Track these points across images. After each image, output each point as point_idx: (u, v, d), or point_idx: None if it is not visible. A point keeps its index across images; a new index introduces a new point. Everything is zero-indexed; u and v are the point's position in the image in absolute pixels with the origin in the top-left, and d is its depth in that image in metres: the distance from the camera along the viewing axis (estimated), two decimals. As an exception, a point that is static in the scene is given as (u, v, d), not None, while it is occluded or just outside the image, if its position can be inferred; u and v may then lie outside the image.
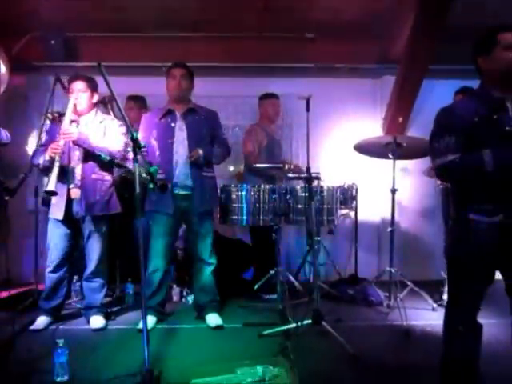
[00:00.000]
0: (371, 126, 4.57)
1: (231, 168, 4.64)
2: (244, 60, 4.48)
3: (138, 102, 4.07)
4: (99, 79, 2.66)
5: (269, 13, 4.16)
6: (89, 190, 3.05)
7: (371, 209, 4.38)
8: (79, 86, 3.06)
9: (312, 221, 2.96)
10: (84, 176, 3.04)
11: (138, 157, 2.06)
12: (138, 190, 2.02)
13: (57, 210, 3.03)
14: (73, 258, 3.22)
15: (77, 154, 3.03)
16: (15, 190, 2.35)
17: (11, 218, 4.30)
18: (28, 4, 3.86)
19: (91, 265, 3.14)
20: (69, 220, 3.07)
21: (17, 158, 3.71)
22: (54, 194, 2.75)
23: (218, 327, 3.14)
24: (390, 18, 4.22)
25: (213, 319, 3.18)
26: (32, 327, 3.05)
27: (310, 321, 2.91)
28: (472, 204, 1.91)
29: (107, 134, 3.12)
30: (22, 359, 2.45)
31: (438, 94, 4.40)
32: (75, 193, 3.05)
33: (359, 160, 4.02)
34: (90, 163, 3.06)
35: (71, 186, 3.03)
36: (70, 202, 3.04)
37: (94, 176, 3.07)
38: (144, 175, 2.28)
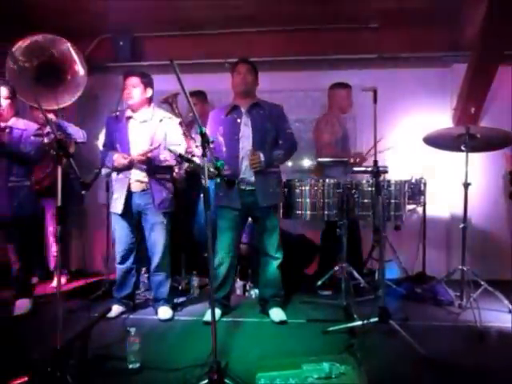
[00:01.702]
0: (441, 117, 4.35)
1: (289, 164, 4.60)
2: (306, 53, 4.45)
3: (200, 97, 4.14)
4: (167, 77, 2.72)
5: (331, 3, 4.07)
6: (154, 189, 3.14)
7: (440, 204, 4.18)
8: (132, 81, 3.14)
9: (379, 216, 2.87)
10: (148, 174, 3.14)
11: (207, 152, 2.09)
12: (206, 183, 2.05)
13: (117, 205, 3.16)
14: (138, 250, 3.34)
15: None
16: (90, 185, 2.45)
17: (86, 211, 4.58)
18: (96, 7, 4.03)
19: (155, 259, 3.24)
20: (130, 213, 3.19)
21: (90, 154, 3.90)
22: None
23: (282, 322, 3.14)
24: (459, 2, 4.01)
25: (277, 314, 3.19)
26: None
27: (376, 319, 2.83)
28: None
29: (168, 134, 3.20)
30: (97, 346, 2.57)
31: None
32: (137, 186, 3.15)
33: (427, 153, 3.84)
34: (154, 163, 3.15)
35: (133, 180, 3.14)
36: (130, 196, 3.15)
37: (158, 176, 3.17)
38: (212, 170, 2.31)
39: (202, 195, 3.27)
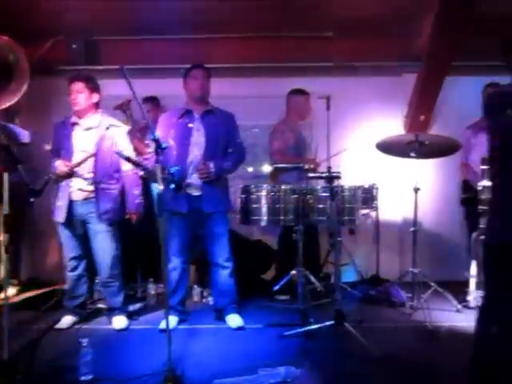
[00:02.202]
0: (393, 124, 4.50)
1: (250, 169, 4.64)
2: (263, 60, 4.48)
3: (154, 103, 4.11)
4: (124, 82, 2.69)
5: (287, 12, 4.13)
6: (98, 198, 3.07)
7: (393, 208, 4.32)
8: (77, 86, 3.06)
9: (333, 221, 2.94)
10: (93, 183, 3.07)
11: (160, 157, 2.07)
12: (160, 189, 2.03)
13: (60, 213, 3.08)
14: (87, 257, 3.24)
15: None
16: (40, 192, 2.38)
17: (38, 219, 4.40)
18: (51, 7, 3.91)
19: (104, 268, 3.15)
20: (73, 222, 3.11)
21: (41, 160, 3.77)
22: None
23: (239, 328, 3.14)
24: (411, 15, 4.15)
25: (234, 320, 3.18)
26: (57, 326, 3.11)
27: (332, 322, 2.88)
28: None
29: (117, 142, 3.14)
30: (48, 358, 2.48)
31: (462, 91, 4.33)
32: (79, 195, 3.08)
33: (380, 159, 3.96)
34: (99, 172, 3.08)
35: (75, 188, 3.07)
36: (72, 204, 3.07)
37: (103, 185, 3.09)
38: (165, 176, 2.29)
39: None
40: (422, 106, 4.15)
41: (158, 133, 3.11)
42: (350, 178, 3.79)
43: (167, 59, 4.36)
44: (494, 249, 2.03)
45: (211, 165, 3.05)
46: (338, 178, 2.98)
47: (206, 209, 3.10)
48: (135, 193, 3.17)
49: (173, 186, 2.33)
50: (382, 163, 4.15)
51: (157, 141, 2.03)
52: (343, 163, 4.28)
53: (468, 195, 3.70)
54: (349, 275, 4.27)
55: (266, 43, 4.50)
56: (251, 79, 4.60)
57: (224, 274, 3.23)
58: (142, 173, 3.33)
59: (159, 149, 2.04)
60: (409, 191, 3.54)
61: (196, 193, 3.11)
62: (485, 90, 3.74)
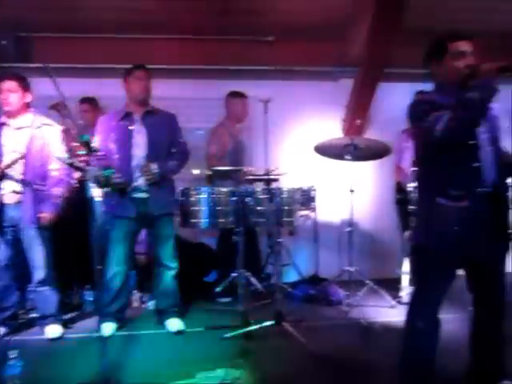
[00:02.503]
0: (332, 128, 4.63)
1: (193, 171, 4.60)
2: (205, 62, 4.47)
3: (92, 104, 3.99)
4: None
5: (228, 15, 4.16)
6: (29, 201, 2.93)
7: (331, 210, 4.44)
8: (9, 85, 2.92)
9: (272, 222, 2.98)
10: (25, 185, 2.93)
11: (91, 160, 2.02)
12: (91, 193, 1.98)
13: None
14: (20, 265, 3.08)
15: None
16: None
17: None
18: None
19: (36, 273, 3.02)
20: (3, 227, 2.96)
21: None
22: None
23: (179, 332, 3.11)
24: (348, 22, 4.31)
25: (173, 324, 3.15)
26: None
27: (271, 322, 2.93)
28: (440, 189, 2.00)
29: (50, 142, 3.02)
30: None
31: (396, 97, 4.52)
32: (11, 197, 2.94)
33: (320, 162, 4.08)
34: (30, 173, 2.95)
35: (7, 191, 2.93)
36: (2, 208, 2.93)
37: (35, 186, 2.95)
38: (100, 179, 2.23)
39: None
40: (358, 111, 4.31)
41: (97, 136, 3.04)
42: (288, 181, 3.88)
43: (103, 58, 4.24)
44: (419, 248, 2.15)
45: (154, 166, 3.01)
46: (277, 180, 3.03)
47: (154, 211, 3.05)
48: (55, 193, 3.01)
49: (108, 189, 2.26)
50: (321, 166, 4.27)
51: (86, 143, 1.98)
52: (283, 166, 4.36)
53: (401, 196, 3.87)
54: (290, 275, 4.36)
55: (207, 46, 4.50)
56: (194, 81, 4.58)
57: (169, 275, 3.21)
58: (78, 175, 3.23)
59: (90, 151, 1.98)
60: (346, 193, 3.67)
61: (142, 196, 3.05)
62: (416, 96, 3.94)
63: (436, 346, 2.14)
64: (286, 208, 3.30)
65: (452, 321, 2.80)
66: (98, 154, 2.07)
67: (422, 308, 2.12)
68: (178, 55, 4.41)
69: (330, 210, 4.40)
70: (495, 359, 2.19)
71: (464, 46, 2.02)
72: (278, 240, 4.05)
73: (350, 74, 4.46)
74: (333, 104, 4.66)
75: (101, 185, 2.31)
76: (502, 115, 2.23)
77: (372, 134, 4.54)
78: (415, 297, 2.18)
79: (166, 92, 4.08)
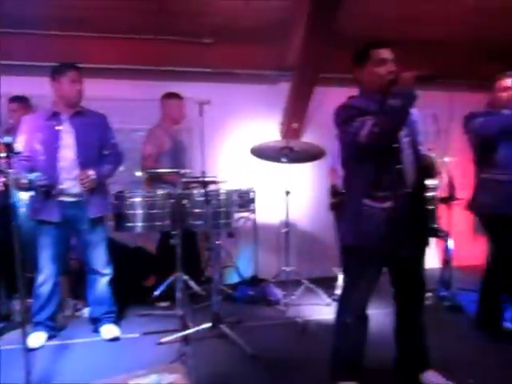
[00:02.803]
0: (271, 130, 4.70)
1: (137, 173, 4.50)
2: (142, 62, 4.39)
3: (23, 103, 3.79)
4: None
5: (164, 15, 4.11)
6: None
7: (271, 211, 4.50)
8: None
9: (209, 224, 2.98)
10: None
11: (14, 163, 1.92)
12: (12, 198, 1.88)
13: None
14: None
15: None
16: None
17: None
18: None
19: None
20: None
21: None
22: None
23: (115, 339, 3.04)
24: (286, 25, 4.39)
25: (108, 331, 3.07)
26: None
27: (208, 324, 2.93)
28: (366, 191, 2.09)
29: None
30: None
31: (333, 101, 4.65)
32: None
33: (259, 164, 4.12)
34: None
35: None
36: None
37: None
38: (23, 181, 2.13)
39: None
40: (295, 114, 4.40)
41: (21, 137, 2.89)
42: (227, 182, 3.90)
43: (30, 56, 4.05)
44: (347, 248, 2.24)
45: (91, 172, 2.92)
46: (214, 182, 3.03)
47: (85, 216, 2.96)
48: None
49: (32, 192, 2.16)
50: (261, 168, 4.32)
51: (8, 145, 1.88)
52: (222, 168, 4.38)
53: (334, 200, 3.99)
54: (231, 277, 4.38)
55: (144, 45, 4.42)
56: (130, 82, 4.47)
57: (102, 282, 3.12)
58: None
59: (12, 153, 1.89)
60: (284, 194, 3.74)
61: (71, 199, 2.95)
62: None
63: (364, 341, 2.24)
64: (224, 210, 3.29)
65: (384, 315, 2.93)
66: (21, 155, 1.97)
67: (351, 305, 2.21)
68: (114, 55, 4.30)
69: (269, 212, 4.45)
70: (418, 350, 2.32)
71: (385, 53, 2.13)
72: (218, 242, 4.09)
73: (288, 77, 4.54)
74: (271, 107, 4.73)
75: (23, 188, 2.20)
76: (426, 119, 2.38)
77: (309, 137, 4.66)
78: (344, 294, 2.27)
79: (101, 92, 3.99)
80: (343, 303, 2.27)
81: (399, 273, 2.26)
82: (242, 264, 4.41)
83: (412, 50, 4.41)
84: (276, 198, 4.43)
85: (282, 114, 4.70)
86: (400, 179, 2.08)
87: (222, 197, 3.24)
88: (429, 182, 3.39)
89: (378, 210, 2.06)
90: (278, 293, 3.77)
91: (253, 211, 4.07)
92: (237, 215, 3.98)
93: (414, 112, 2.27)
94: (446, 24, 4.41)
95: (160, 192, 3.16)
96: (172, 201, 3.18)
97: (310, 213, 4.79)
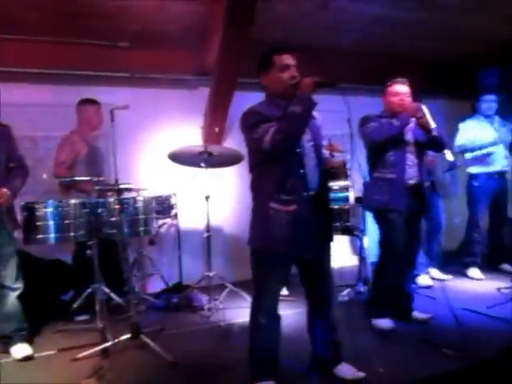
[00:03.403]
0: (193, 136, 4.67)
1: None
2: (54, 66, 4.20)
3: None
4: None
5: (78, 18, 3.96)
6: None
7: (193, 216, 4.47)
8: None
9: (123, 233, 2.91)
10: None
11: None
12: None
13: None
14: None
15: None
16: None
17: None
18: None
19: None
20: None
21: None
22: None
23: (27, 358, 2.87)
24: (203, 31, 4.40)
25: (19, 350, 2.90)
26: None
27: (127, 335, 2.85)
28: (272, 195, 2.14)
29: None
30: None
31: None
32: None
33: (181, 169, 4.08)
34: None
35: None
36: None
37: None
38: None
39: None
40: (216, 119, 4.41)
41: None
42: (148, 189, 3.84)
43: None
44: (255, 251, 2.31)
45: (4, 189, 2.80)
46: (129, 189, 2.97)
47: None
48: None
49: None
50: (183, 173, 4.28)
51: None
52: (141, 175, 4.31)
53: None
54: (156, 285, 4.30)
55: (56, 49, 4.23)
56: (41, 86, 4.26)
57: (11, 297, 2.95)
58: None
59: None
60: (206, 199, 3.74)
61: None
62: None
63: (278, 339, 2.30)
64: (143, 217, 3.23)
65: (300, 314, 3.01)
66: None
67: (263, 306, 2.27)
68: (25, 58, 4.07)
69: (192, 217, 4.42)
70: (331, 345, 2.42)
71: (288, 59, 2.19)
72: (140, 250, 4.02)
73: (208, 82, 4.55)
74: (192, 112, 4.71)
75: None
76: (341, 123, 2.47)
77: (231, 142, 4.69)
78: (256, 296, 2.31)
79: (13, 98, 3.79)
80: (255, 305, 2.31)
81: (306, 273, 2.35)
82: (167, 271, 4.34)
83: (324, 57, 4.65)
84: (198, 204, 4.42)
85: (202, 118, 4.70)
86: (304, 183, 2.16)
87: (140, 204, 3.18)
88: (341, 183, 3.57)
89: (284, 213, 2.13)
90: (203, 298, 3.76)
91: (175, 217, 4.03)
92: (158, 222, 3.94)
93: (318, 117, 2.37)
94: (351, 33, 4.66)
95: (73, 201, 3.04)
96: (86, 210, 3.07)
97: (233, 217, 4.83)
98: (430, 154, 3.99)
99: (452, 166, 4.26)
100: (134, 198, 3.15)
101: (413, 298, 3.32)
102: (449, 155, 3.21)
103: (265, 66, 2.23)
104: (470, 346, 2.62)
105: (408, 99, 3.11)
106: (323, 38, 4.63)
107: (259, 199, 2.24)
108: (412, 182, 3.05)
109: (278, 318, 2.29)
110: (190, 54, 4.65)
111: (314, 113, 2.38)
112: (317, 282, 2.35)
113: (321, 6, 4.24)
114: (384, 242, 3.14)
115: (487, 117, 4.57)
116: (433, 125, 2.97)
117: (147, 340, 2.85)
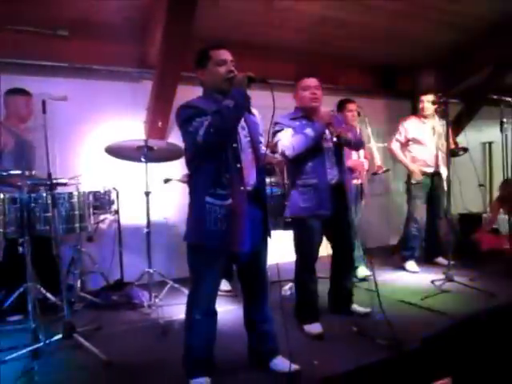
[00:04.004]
0: (135, 129, 4.55)
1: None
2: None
3: None
4: None
5: (14, 3, 3.75)
6: None
7: (136, 212, 4.36)
8: None
9: (57, 229, 2.80)
10: None
11: None
12: None
13: None
14: None
15: None
16: None
17: None
18: None
19: None
20: None
21: None
22: None
23: None
24: (146, 24, 4.31)
25: None
26: None
27: (60, 335, 2.76)
28: (208, 189, 2.13)
29: None
30: None
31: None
32: None
33: (123, 164, 3.97)
34: None
35: None
36: None
37: None
38: None
39: None
40: (159, 113, 4.33)
41: None
42: (87, 184, 3.72)
43: None
44: (192, 246, 2.30)
45: None
46: (64, 184, 2.86)
47: None
48: None
49: None
50: (124, 167, 4.16)
51: None
52: (80, 168, 4.16)
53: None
54: (97, 282, 4.17)
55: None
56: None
57: None
58: None
59: None
60: (153, 194, 3.68)
61: None
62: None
63: (213, 336, 2.30)
64: (79, 213, 3.13)
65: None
66: None
67: (198, 302, 2.25)
68: None
69: (134, 213, 4.32)
70: (266, 339, 2.45)
71: (224, 54, 2.21)
72: (78, 247, 3.88)
73: (151, 75, 4.46)
74: (136, 105, 4.60)
75: None
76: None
77: (175, 136, 4.62)
78: (191, 292, 2.30)
79: None
80: (190, 301, 2.30)
81: (242, 267, 2.36)
82: (108, 268, 4.22)
83: (269, 55, 4.69)
84: (140, 199, 4.33)
85: (145, 112, 4.60)
86: (240, 177, 2.16)
87: (75, 199, 3.07)
88: (279, 179, 3.61)
89: (219, 207, 2.12)
90: (143, 295, 3.69)
91: (115, 213, 3.93)
92: (99, 217, 3.84)
93: (256, 113, 2.39)
94: (295, 32, 4.73)
95: (1, 196, 2.89)
96: (17, 206, 2.93)
97: (176, 212, 4.78)
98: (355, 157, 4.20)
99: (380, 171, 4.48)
100: (71, 193, 3.04)
101: (352, 293, 3.37)
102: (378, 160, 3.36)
103: (202, 61, 2.24)
104: (402, 337, 2.72)
105: (319, 92, 3.07)
106: (267, 35, 4.67)
107: (195, 194, 2.23)
108: (333, 181, 3.04)
109: (213, 314, 2.29)
110: (133, 46, 4.55)
111: (253, 109, 2.40)
112: (252, 276, 2.36)
113: (265, 4, 4.28)
114: (300, 247, 3.11)
115: (425, 117, 4.75)
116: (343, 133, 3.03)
117: (81, 339, 2.76)
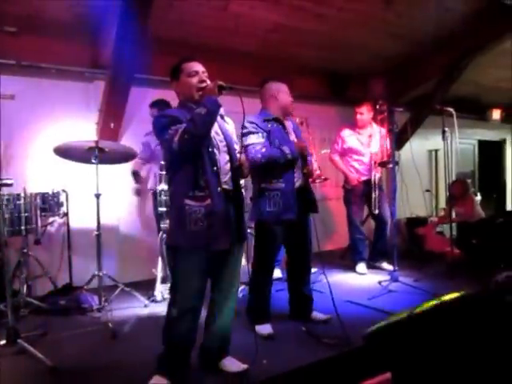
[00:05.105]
0: (86, 130, 4.44)
1: None
2: None
3: None
4: None
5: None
6: None
7: (87, 215, 4.27)
8: None
9: (0, 231, 2.71)
10: None
11: None
12: None
13: None
14: None
15: None
16: None
17: None
18: None
19: None
20: None
21: None
22: None
23: None
24: (99, 23, 4.24)
25: None
26: None
27: (2, 342, 2.67)
28: (187, 192, 2.22)
29: None
30: None
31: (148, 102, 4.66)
32: None
33: (73, 166, 3.86)
34: None
35: None
36: None
37: None
38: None
39: None
40: (112, 114, 4.26)
41: None
42: (38, 185, 3.62)
43: None
44: (173, 249, 2.35)
45: None
46: (8, 185, 2.77)
47: None
48: None
49: None
50: (75, 169, 4.06)
51: None
52: (27, 169, 4.05)
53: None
54: (45, 287, 4.04)
55: None
56: None
57: None
58: None
59: None
60: (104, 197, 3.62)
61: None
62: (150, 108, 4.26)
63: (192, 332, 2.35)
64: (25, 215, 3.04)
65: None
66: None
67: (177, 299, 2.31)
68: None
69: (84, 216, 4.22)
70: (217, 339, 2.50)
71: (195, 66, 2.35)
72: (24, 251, 3.75)
73: (104, 76, 4.38)
74: (87, 106, 4.50)
75: None
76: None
77: (129, 138, 4.57)
78: (170, 290, 2.39)
79: None
80: (172, 300, 2.37)
81: (214, 266, 2.39)
82: (57, 273, 4.10)
83: (224, 59, 4.72)
84: (91, 202, 4.25)
85: (98, 113, 4.51)
86: (216, 179, 2.26)
87: (21, 201, 2.98)
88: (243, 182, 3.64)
89: (198, 208, 2.21)
90: (92, 299, 3.62)
91: (64, 215, 3.84)
92: (45, 220, 3.74)
93: (229, 121, 2.53)
94: (250, 37, 4.81)
95: None
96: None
97: (127, 215, 4.72)
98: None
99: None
100: (18, 195, 2.95)
101: (311, 299, 3.34)
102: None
103: (175, 73, 2.37)
104: (349, 335, 2.82)
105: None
106: (223, 39, 4.71)
107: (175, 198, 2.32)
108: (297, 184, 3.11)
109: (192, 310, 2.31)
110: (85, 45, 4.47)
111: (226, 117, 2.53)
112: (222, 275, 2.42)
113: (221, 9, 4.32)
114: (260, 250, 3.12)
115: (360, 127, 4.87)
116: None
117: (26, 345, 2.68)
